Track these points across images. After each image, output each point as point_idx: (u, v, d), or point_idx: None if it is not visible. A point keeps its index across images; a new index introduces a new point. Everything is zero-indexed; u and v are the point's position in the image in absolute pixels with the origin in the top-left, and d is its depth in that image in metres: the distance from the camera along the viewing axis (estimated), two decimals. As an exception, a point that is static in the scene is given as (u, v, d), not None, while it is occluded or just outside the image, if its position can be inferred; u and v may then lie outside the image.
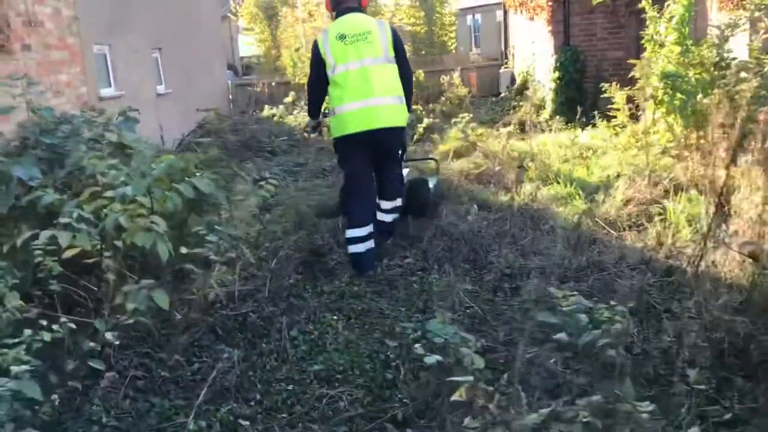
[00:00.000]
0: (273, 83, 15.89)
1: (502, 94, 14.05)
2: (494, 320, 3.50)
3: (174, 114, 11.58)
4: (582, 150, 7.17)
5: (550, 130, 9.12)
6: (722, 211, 3.94)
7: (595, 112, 8.23)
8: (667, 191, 5.24)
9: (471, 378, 2.22)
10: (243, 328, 3.48)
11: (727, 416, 2.44)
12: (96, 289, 2.92)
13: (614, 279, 3.81)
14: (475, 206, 5.43)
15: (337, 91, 4.34)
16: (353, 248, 4.34)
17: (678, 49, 6.23)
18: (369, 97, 4.29)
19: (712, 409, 2.49)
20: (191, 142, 9.52)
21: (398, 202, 4.74)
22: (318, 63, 4.41)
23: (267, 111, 13.51)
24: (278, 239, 4.73)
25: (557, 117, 9.83)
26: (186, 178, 2.96)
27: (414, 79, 5.61)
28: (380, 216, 4.62)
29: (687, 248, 4.06)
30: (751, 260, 3.40)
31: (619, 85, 7.16)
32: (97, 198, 2.83)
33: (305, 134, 8.28)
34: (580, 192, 5.66)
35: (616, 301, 2.66)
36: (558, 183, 6.03)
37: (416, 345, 2.63)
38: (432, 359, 2.44)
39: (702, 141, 5.36)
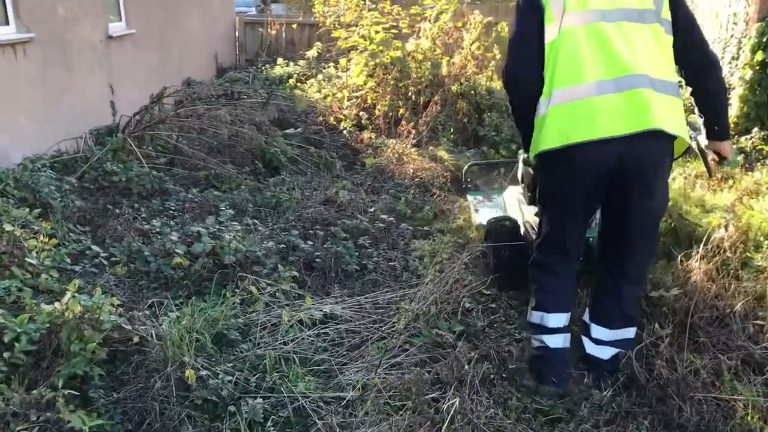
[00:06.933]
0: (294, 25, 11.71)
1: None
2: None
3: (139, 68, 7.68)
4: None
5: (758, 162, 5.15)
6: None
7: None
8: None
9: None
10: None
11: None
12: None
13: None
14: None
15: (562, 64, 2.37)
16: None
17: None
18: (622, 73, 2.33)
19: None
20: (144, 130, 5.66)
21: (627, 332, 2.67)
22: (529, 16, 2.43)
23: (280, 68, 9.51)
24: None
25: (756, 129, 5.91)
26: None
27: None
28: (589, 348, 2.71)
29: None
30: None
31: None
32: None
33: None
34: None
35: None
36: None
37: None
38: None
39: None
